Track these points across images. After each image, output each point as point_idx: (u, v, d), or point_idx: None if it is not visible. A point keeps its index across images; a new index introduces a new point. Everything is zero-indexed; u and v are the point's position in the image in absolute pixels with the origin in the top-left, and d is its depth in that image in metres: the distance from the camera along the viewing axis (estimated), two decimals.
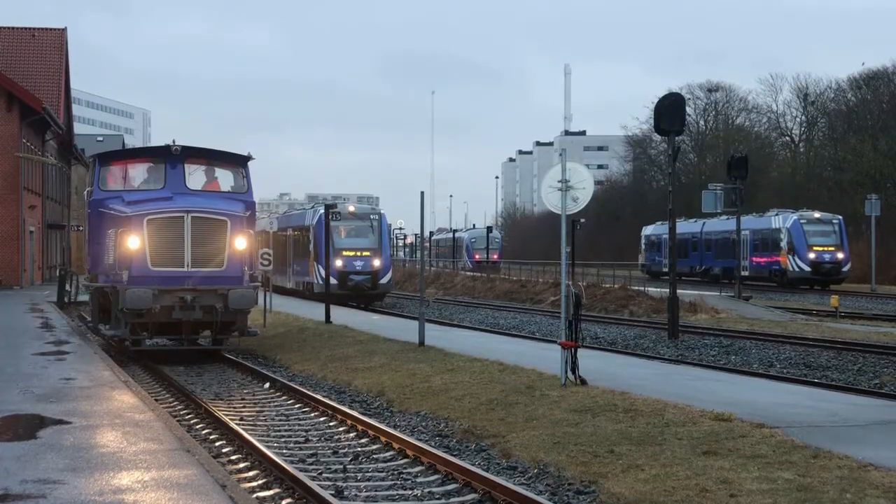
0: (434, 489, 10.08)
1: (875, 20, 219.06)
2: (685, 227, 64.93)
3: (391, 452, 11.80)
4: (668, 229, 69.34)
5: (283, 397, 16.53)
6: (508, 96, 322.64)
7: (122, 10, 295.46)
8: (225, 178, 23.34)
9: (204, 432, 13.25)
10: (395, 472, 10.80)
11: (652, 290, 41.10)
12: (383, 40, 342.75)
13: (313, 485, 9.68)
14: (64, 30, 57.22)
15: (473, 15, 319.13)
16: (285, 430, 13.62)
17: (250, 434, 12.56)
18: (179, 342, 21.42)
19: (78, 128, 74.92)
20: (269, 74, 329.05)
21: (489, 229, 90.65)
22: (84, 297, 31.91)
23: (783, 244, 55.59)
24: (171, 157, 22.21)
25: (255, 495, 9.66)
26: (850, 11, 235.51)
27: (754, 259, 58.16)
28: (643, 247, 74.61)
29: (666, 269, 67.74)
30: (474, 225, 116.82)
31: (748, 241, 56.98)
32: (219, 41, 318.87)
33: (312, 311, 31.96)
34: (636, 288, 42.27)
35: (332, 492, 9.77)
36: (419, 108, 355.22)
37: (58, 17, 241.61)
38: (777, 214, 57.47)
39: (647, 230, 74.43)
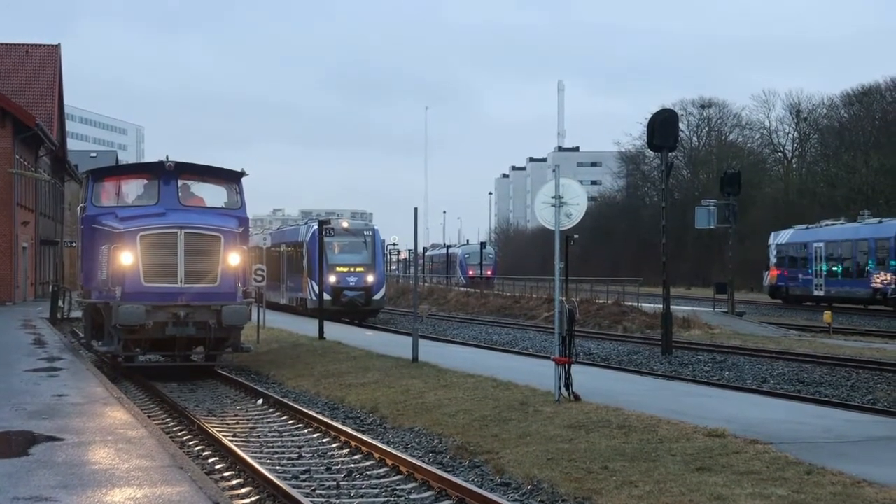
0: None
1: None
2: (854, 230, 49.61)
3: (385, 469, 11.77)
4: (828, 233, 50.07)
5: (277, 413, 16.49)
6: (485, 115, 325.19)
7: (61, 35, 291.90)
8: (218, 194, 23.35)
9: (197, 449, 13.21)
10: (389, 489, 10.77)
11: (645, 305, 41.10)
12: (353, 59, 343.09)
13: (306, 501, 9.66)
14: (57, 46, 57.32)
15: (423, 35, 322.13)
16: (278, 447, 13.59)
17: (243, 450, 12.52)
18: (172, 358, 21.37)
19: (71, 144, 74.97)
20: (212, 91, 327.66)
21: (483, 245, 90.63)
22: (77, 314, 31.86)
23: None
24: (164, 173, 22.19)
25: None
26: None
27: None
28: (773, 260, 56.08)
29: (820, 293, 50.77)
30: (468, 240, 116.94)
31: None
32: (165, 58, 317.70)
33: (306, 327, 31.92)
34: (630, 304, 42.28)
35: None
36: (413, 124, 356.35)
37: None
38: None
39: (784, 237, 55.62)
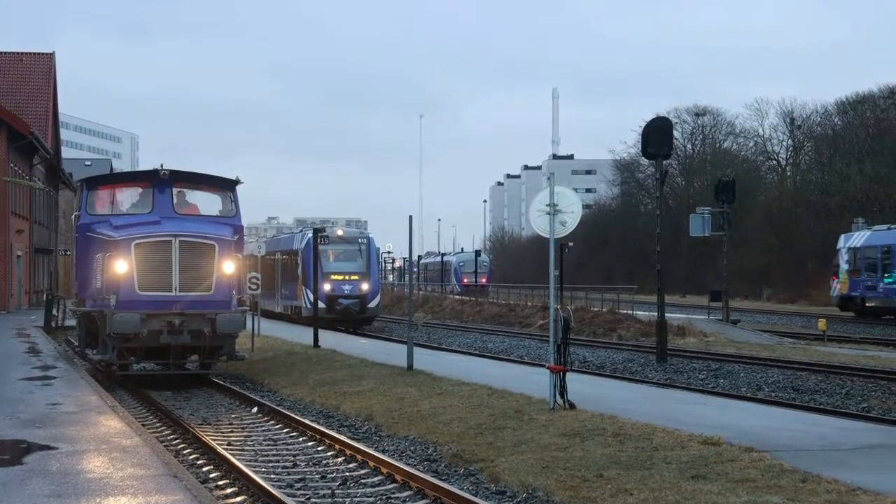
0: None
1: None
2: None
3: (380, 477, 11.76)
4: None
5: (271, 422, 16.47)
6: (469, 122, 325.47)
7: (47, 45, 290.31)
8: (213, 202, 23.33)
9: (191, 457, 13.19)
10: (384, 497, 10.75)
11: (640, 313, 41.10)
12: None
13: None
14: (52, 54, 57.30)
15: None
16: (273, 455, 13.57)
17: (238, 459, 12.50)
18: (167, 367, 21.32)
19: (66, 152, 74.88)
20: (207, 101, 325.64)
21: (477, 253, 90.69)
22: (71, 322, 31.80)
23: None
24: (159, 182, 22.20)
25: None
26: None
27: None
28: (845, 266, 47.72)
29: None
30: (462, 248, 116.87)
31: None
32: (157, 69, 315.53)
33: (301, 336, 31.89)
34: (624, 311, 42.29)
35: None
36: (407, 133, 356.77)
37: None
38: None
39: (859, 239, 47.24)
